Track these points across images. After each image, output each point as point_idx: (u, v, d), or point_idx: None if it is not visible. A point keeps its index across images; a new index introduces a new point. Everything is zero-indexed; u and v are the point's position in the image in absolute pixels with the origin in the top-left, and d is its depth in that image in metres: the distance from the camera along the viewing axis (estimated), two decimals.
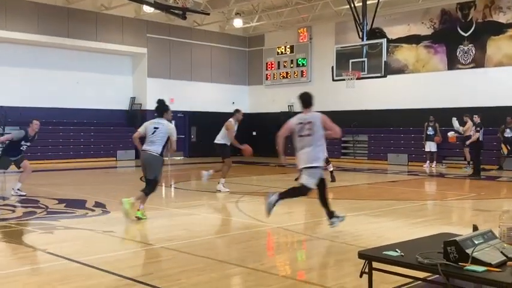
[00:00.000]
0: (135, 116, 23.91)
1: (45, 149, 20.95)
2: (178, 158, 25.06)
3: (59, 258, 5.74)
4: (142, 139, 8.37)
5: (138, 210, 8.07)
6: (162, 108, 8.42)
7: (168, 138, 8.25)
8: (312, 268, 5.63)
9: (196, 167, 19.97)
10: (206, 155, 22.68)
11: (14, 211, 9.04)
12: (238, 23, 25.02)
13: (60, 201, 10.17)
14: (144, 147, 8.22)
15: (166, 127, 8.29)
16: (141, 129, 8.39)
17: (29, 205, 9.65)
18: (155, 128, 8.23)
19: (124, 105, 24.09)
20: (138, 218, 8.02)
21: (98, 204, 9.71)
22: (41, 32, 20.74)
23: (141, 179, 10.41)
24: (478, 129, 16.05)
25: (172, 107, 25.77)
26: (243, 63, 28.02)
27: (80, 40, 21.71)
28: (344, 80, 17.48)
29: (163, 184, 15.03)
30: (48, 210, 9.12)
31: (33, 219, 8.28)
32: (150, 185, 8.25)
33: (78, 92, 22.38)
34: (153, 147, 8.15)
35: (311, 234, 7.53)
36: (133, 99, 24.20)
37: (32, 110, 20.81)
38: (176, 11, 19.33)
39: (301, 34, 25.60)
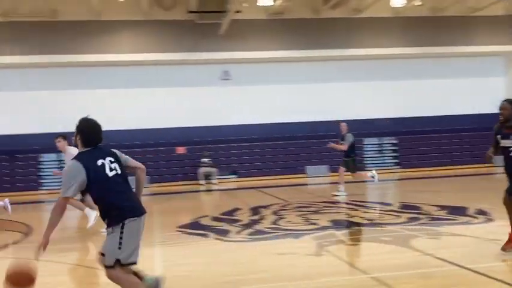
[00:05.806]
0: None
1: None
2: None
3: (446, 264, 5.87)
4: None
5: None
6: None
7: None
8: None
9: None
10: None
11: (399, 216, 9.62)
12: None
13: (442, 207, 10.33)
14: None
15: None
16: None
17: (412, 211, 10.10)
18: None
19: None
20: None
21: (480, 212, 9.49)
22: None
23: None
24: None
25: None
26: None
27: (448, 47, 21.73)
28: None
29: None
30: (431, 216, 9.39)
31: (417, 224, 8.66)
32: None
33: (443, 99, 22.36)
34: None
35: None
36: None
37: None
38: None
39: None
